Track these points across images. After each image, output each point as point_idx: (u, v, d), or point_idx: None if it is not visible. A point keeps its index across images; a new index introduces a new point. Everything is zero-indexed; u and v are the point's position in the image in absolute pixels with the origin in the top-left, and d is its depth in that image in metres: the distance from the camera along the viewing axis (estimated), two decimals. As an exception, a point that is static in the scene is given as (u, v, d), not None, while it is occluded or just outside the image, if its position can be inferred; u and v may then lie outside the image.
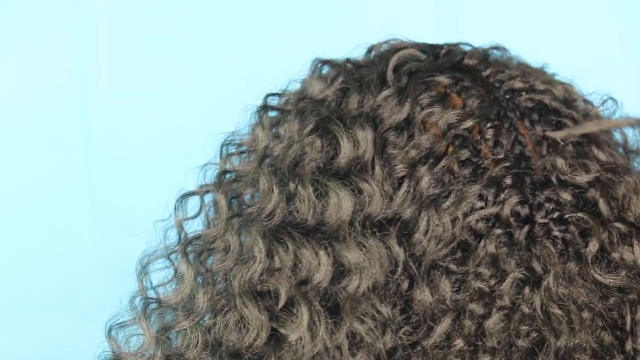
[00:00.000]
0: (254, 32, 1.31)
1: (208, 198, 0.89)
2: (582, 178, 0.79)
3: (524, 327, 0.76)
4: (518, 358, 0.76)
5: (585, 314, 0.77)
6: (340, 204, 0.76)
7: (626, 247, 0.78)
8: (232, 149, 0.89)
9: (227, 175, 0.87)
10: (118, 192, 1.35)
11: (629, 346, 0.77)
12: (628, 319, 0.77)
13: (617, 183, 0.79)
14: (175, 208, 0.89)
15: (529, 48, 0.93)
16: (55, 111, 1.34)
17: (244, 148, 0.89)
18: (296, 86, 0.90)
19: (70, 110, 1.34)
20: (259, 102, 0.89)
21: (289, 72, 0.90)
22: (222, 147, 0.89)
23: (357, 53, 0.90)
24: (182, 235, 0.88)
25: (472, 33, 0.95)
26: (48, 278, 1.36)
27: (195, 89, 1.32)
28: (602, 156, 0.81)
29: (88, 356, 0.85)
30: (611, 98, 0.89)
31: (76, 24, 1.33)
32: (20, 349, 1.35)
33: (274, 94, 0.89)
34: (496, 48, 0.91)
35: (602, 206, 0.78)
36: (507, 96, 0.82)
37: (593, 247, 0.77)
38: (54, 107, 1.34)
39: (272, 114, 0.88)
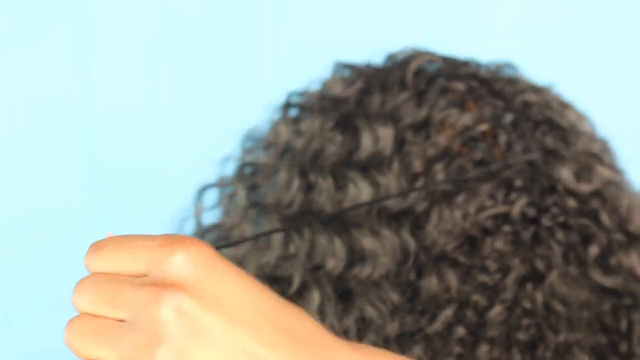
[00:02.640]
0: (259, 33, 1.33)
1: (227, 191, 0.92)
2: (586, 187, 0.83)
3: (524, 321, 0.79)
4: (517, 351, 0.79)
5: (585, 313, 0.80)
6: (359, 195, 0.80)
7: (624, 254, 0.82)
8: (253, 144, 0.92)
9: (247, 168, 0.90)
10: (119, 192, 1.36)
11: (623, 348, 0.81)
12: (623, 323, 0.81)
13: (619, 197, 0.84)
14: (194, 199, 0.92)
15: (535, 65, 0.97)
16: (56, 111, 1.35)
17: (264, 143, 0.91)
18: (316, 87, 0.93)
19: (71, 111, 1.35)
20: (278, 102, 0.93)
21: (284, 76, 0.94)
22: (243, 141, 0.92)
23: (375, 59, 0.94)
24: (199, 225, 0.91)
25: (474, 48, 0.99)
26: (48, 278, 1.37)
27: (196, 88, 1.33)
28: (605, 172, 0.86)
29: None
30: None
31: (77, 23, 1.34)
32: (19, 349, 1.36)
33: (295, 93, 0.92)
34: (507, 65, 0.95)
35: (604, 217, 0.83)
36: (520, 108, 0.87)
37: (594, 251, 0.81)
38: (55, 107, 1.35)
39: (293, 111, 0.91)
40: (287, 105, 0.91)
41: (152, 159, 1.32)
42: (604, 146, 0.90)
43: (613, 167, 0.88)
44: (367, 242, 0.78)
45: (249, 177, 0.89)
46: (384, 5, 1.30)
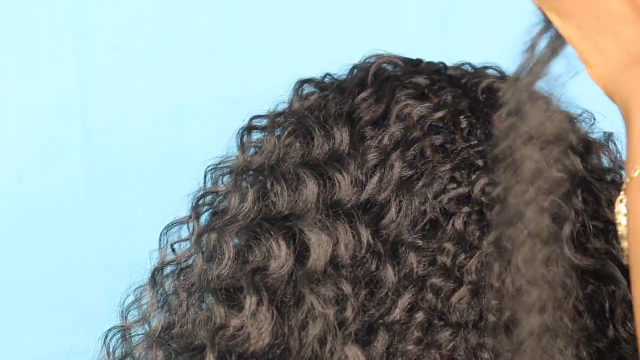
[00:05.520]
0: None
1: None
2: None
3: (494, 303, 0.76)
4: (492, 334, 0.76)
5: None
6: (310, 193, 0.79)
7: (599, 238, 0.80)
8: (218, 172, 0.90)
9: (208, 198, 0.89)
10: (117, 192, 1.36)
11: (610, 333, 0.79)
12: (607, 306, 0.79)
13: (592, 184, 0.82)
14: (159, 239, 0.90)
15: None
16: (55, 111, 1.36)
17: (227, 170, 0.90)
18: (284, 107, 0.91)
19: (70, 110, 1.36)
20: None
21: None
22: (205, 173, 0.90)
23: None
24: (158, 263, 0.89)
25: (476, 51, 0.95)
26: (47, 278, 1.36)
27: (197, 88, 1.33)
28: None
29: (86, 356, 0.88)
30: (587, 111, 0.89)
31: (76, 23, 1.37)
32: (19, 349, 1.36)
33: (259, 116, 0.90)
34: (491, 67, 0.91)
35: (575, 200, 0.79)
36: (484, 95, 0.84)
37: (567, 229, 0.76)
38: (54, 107, 1.36)
39: (258, 135, 0.89)
40: (247, 129, 0.90)
41: (150, 160, 1.32)
42: (580, 135, 0.85)
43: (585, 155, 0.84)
44: (314, 236, 0.77)
45: (210, 205, 0.88)
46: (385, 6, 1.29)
